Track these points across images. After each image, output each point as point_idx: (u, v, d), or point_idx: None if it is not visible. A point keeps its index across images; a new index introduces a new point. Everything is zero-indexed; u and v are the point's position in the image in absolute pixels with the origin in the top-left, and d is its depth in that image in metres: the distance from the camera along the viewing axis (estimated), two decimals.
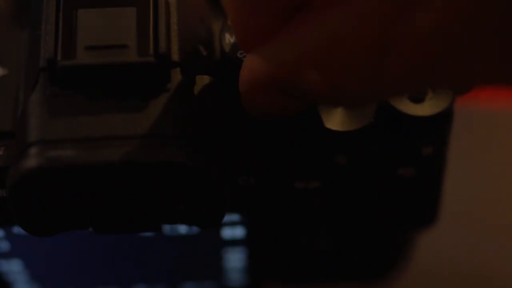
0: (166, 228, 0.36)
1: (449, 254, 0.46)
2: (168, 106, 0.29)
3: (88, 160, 0.28)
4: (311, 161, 0.33)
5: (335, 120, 0.32)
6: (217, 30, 0.33)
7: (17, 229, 0.35)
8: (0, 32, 0.34)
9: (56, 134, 0.28)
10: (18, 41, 0.33)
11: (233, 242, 0.37)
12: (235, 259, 0.38)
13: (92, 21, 0.30)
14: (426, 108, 0.32)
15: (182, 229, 0.36)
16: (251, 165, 0.32)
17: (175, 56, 0.30)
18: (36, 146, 0.28)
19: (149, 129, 0.28)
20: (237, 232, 0.36)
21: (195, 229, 0.36)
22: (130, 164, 0.28)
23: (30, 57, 0.31)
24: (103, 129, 0.28)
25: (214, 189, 0.29)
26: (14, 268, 0.38)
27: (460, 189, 0.46)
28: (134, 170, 0.28)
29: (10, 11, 0.35)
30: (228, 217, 0.35)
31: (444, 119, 0.32)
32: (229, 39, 0.32)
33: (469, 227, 0.47)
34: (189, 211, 0.30)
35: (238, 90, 0.30)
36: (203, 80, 0.31)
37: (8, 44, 0.33)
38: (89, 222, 0.30)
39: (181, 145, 0.28)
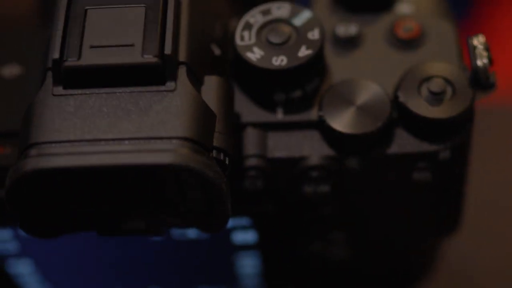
0: (177, 232, 0.35)
1: (472, 261, 0.45)
2: (172, 107, 0.28)
3: (87, 162, 0.27)
4: (320, 164, 0.32)
5: (345, 122, 0.31)
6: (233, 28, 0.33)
7: None
8: (23, 31, 0.34)
9: (56, 135, 0.28)
10: (38, 40, 0.33)
11: (245, 247, 0.36)
12: (248, 265, 0.37)
13: (101, 20, 0.30)
14: (444, 111, 0.31)
15: (193, 233, 0.35)
16: (258, 168, 0.32)
17: (182, 56, 0.29)
18: (35, 148, 0.28)
19: (152, 131, 0.28)
20: (249, 236, 0.35)
21: (204, 234, 0.35)
22: (130, 167, 0.27)
23: (45, 56, 0.31)
24: (105, 131, 0.28)
25: (218, 193, 0.28)
26: (25, 268, 0.38)
27: (483, 192, 0.45)
28: (135, 173, 0.28)
29: (35, 10, 0.35)
30: (239, 221, 0.34)
31: (462, 121, 0.31)
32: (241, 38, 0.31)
33: (493, 231, 0.46)
34: (192, 215, 0.29)
35: (247, 90, 0.29)
36: (211, 80, 0.30)
37: (28, 43, 0.33)
38: (91, 225, 0.30)
39: (185, 147, 0.28)
